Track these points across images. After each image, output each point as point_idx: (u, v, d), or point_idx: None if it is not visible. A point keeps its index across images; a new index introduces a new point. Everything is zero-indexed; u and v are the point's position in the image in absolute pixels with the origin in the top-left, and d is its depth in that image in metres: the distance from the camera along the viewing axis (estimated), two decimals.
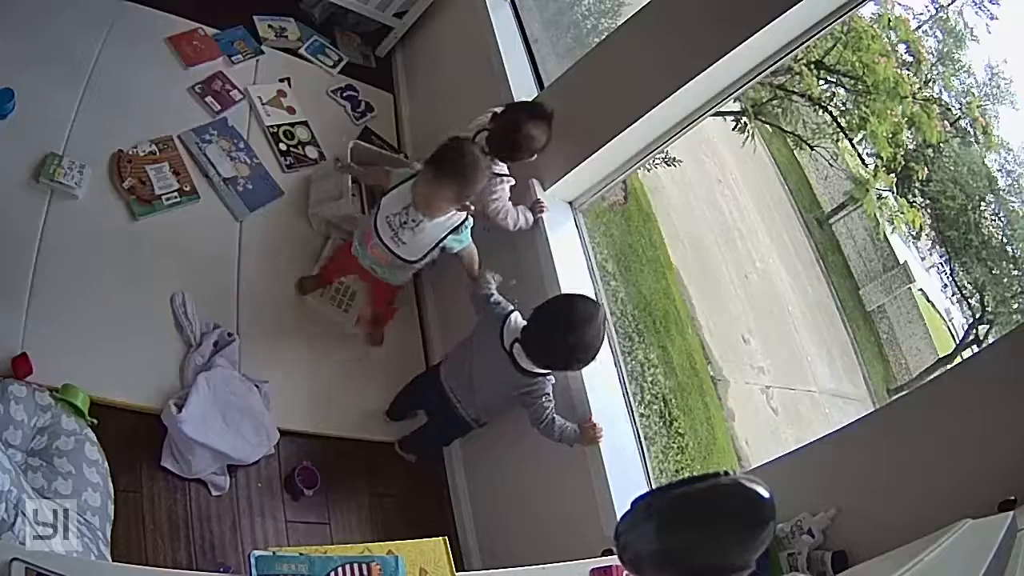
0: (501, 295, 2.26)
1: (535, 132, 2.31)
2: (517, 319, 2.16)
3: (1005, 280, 5.04)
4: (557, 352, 2.05)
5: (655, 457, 3.70)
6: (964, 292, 5.16)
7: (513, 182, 2.43)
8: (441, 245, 2.25)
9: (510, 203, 2.42)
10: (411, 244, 2.23)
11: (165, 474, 2.05)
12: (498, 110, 2.41)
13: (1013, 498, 1.32)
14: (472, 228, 2.29)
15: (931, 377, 3.86)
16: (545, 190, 2.54)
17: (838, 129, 5.34)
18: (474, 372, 2.25)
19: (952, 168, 5.19)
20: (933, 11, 5.25)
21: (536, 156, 2.37)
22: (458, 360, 2.32)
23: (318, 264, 2.64)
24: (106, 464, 1.81)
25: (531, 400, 2.12)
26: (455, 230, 2.24)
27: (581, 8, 4.31)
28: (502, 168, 2.39)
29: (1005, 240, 5.02)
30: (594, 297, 2.49)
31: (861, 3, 2.04)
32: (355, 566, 1.18)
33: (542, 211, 2.47)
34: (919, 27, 5.13)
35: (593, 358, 2.05)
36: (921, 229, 5.22)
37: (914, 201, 5.12)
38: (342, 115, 3.18)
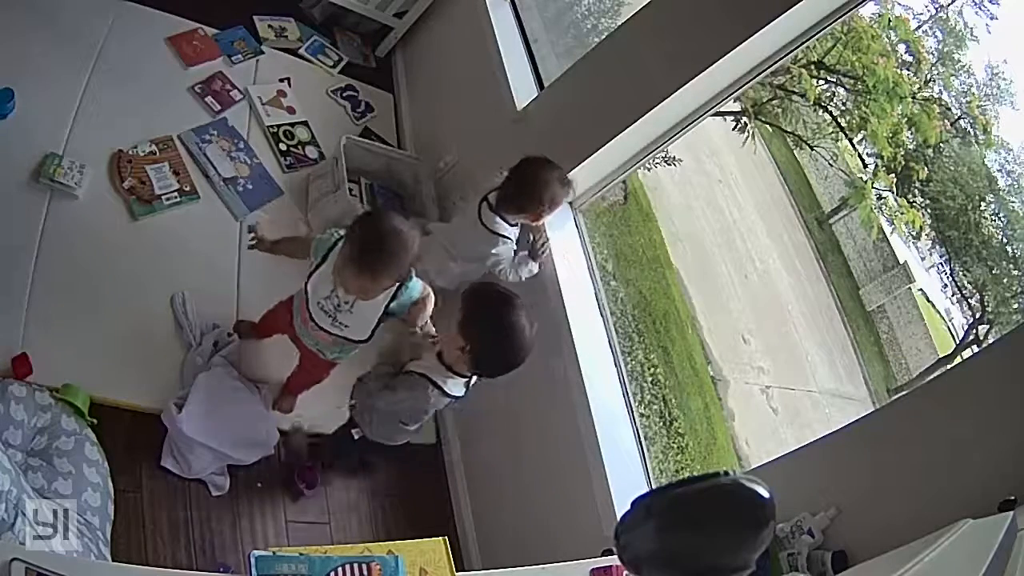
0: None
1: (551, 178, 2.25)
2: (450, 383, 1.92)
3: (1005, 280, 5.03)
4: (510, 362, 1.87)
5: (655, 457, 3.69)
6: (964, 292, 5.15)
7: (514, 246, 2.35)
8: (390, 311, 1.97)
9: (508, 260, 2.35)
10: (355, 325, 1.98)
11: (165, 474, 2.05)
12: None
13: (1013, 498, 1.32)
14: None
15: (931, 377, 3.85)
16: None
17: (838, 129, 5.33)
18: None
19: (952, 168, 5.19)
20: (933, 11, 5.25)
21: (547, 210, 2.29)
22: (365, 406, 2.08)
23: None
24: (106, 464, 1.82)
25: None
26: (395, 295, 1.95)
27: (581, 8, 4.31)
28: (503, 227, 2.31)
29: (1005, 240, 5.02)
30: (598, 296, 2.50)
31: (861, 3, 2.04)
32: (355, 566, 1.18)
33: (543, 252, 2.42)
34: (919, 27, 5.13)
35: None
36: (921, 229, 5.22)
37: (914, 201, 5.11)
38: (342, 115, 3.18)
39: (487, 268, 2.36)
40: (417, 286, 2.00)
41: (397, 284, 1.93)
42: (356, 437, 2.10)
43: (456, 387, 1.94)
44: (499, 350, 1.85)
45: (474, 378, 1.96)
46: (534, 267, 2.41)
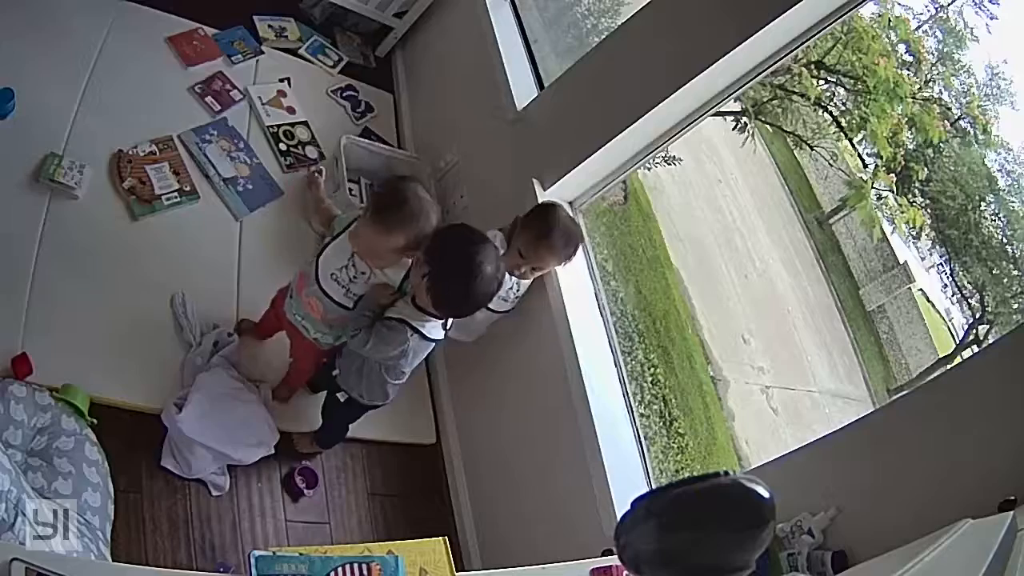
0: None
1: (557, 235, 2.24)
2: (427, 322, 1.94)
3: (1005, 280, 5.03)
4: (465, 300, 1.88)
5: (655, 457, 3.69)
6: (964, 292, 5.15)
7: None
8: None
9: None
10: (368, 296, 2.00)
11: (165, 474, 2.05)
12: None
13: (1013, 498, 1.32)
14: None
15: (931, 377, 3.85)
16: (545, 190, 2.53)
17: (838, 129, 5.33)
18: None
19: (952, 168, 5.18)
20: (933, 11, 5.25)
21: (540, 260, 2.28)
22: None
23: None
24: (106, 464, 1.82)
25: None
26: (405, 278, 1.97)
27: (581, 8, 4.31)
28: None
29: (1005, 240, 5.01)
30: (598, 296, 2.50)
31: (861, 3, 2.04)
32: (355, 566, 1.18)
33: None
34: (919, 27, 5.13)
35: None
36: (921, 229, 5.21)
37: (914, 201, 5.11)
38: (342, 115, 3.18)
39: (508, 304, 2.34)
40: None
41: (409, 260, 1.92)
42: (342, 400, 2.14)
43: (434, 329, 1.95)
44: (457, 287, 1.82)
45: (450, 320, 1.96)
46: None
